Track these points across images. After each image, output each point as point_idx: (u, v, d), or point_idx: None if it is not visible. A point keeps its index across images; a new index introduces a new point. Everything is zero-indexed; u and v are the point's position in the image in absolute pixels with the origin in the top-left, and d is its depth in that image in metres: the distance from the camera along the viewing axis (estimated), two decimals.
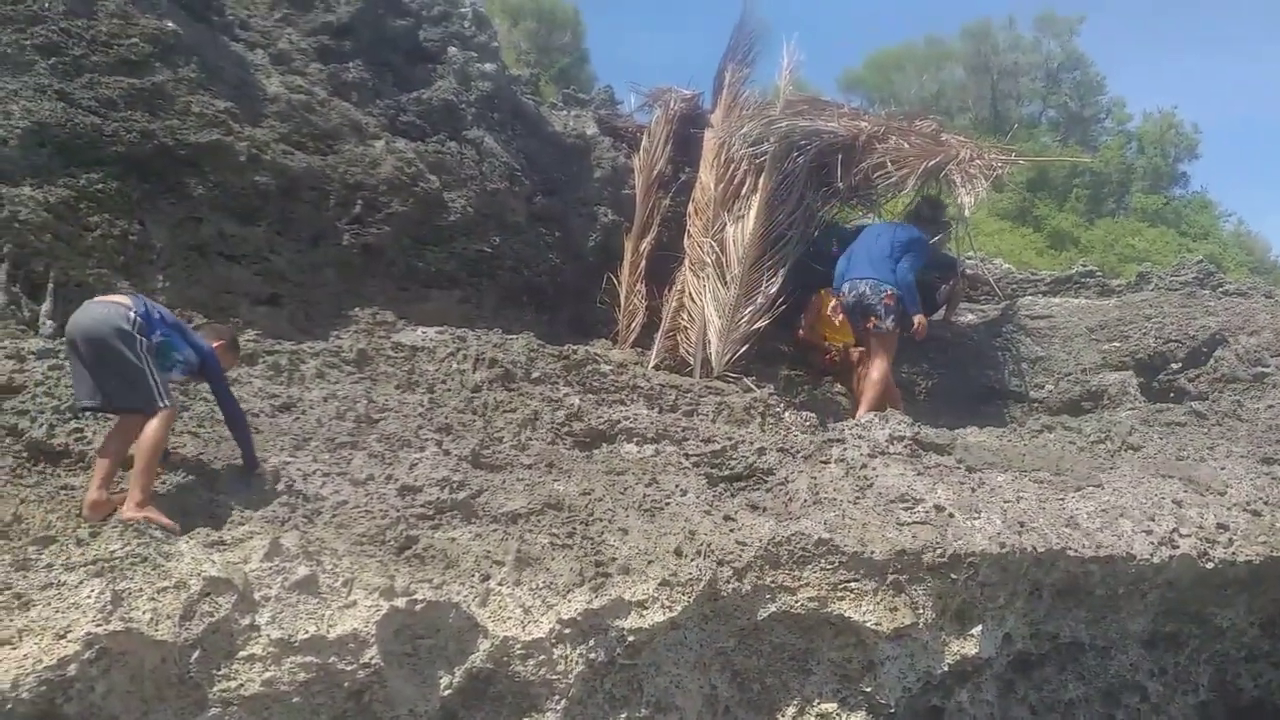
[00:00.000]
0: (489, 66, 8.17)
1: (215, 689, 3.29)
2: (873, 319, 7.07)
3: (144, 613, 3.20)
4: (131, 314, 3.83)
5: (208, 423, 4.54)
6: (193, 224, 5.94)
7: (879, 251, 7.19)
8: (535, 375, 5.94)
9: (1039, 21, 34.85)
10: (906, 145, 7.70)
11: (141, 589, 3.27)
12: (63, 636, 3.00)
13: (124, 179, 5.78)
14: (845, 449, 5.53)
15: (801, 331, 7.80)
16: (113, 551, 3.37)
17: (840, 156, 7.72)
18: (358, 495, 4.35)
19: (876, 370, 6.99)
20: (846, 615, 4.52)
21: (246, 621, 3.40)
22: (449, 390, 5.60)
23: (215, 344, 4.31)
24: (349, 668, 3.51)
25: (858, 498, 5.10)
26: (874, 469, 5.34)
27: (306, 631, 3.48)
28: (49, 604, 3.09)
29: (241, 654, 3.35)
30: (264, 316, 5.89)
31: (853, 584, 4.60)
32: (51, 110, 5.70)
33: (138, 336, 3.80)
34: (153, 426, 3.76)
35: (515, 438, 5.29)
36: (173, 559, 3.45)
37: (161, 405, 3.79)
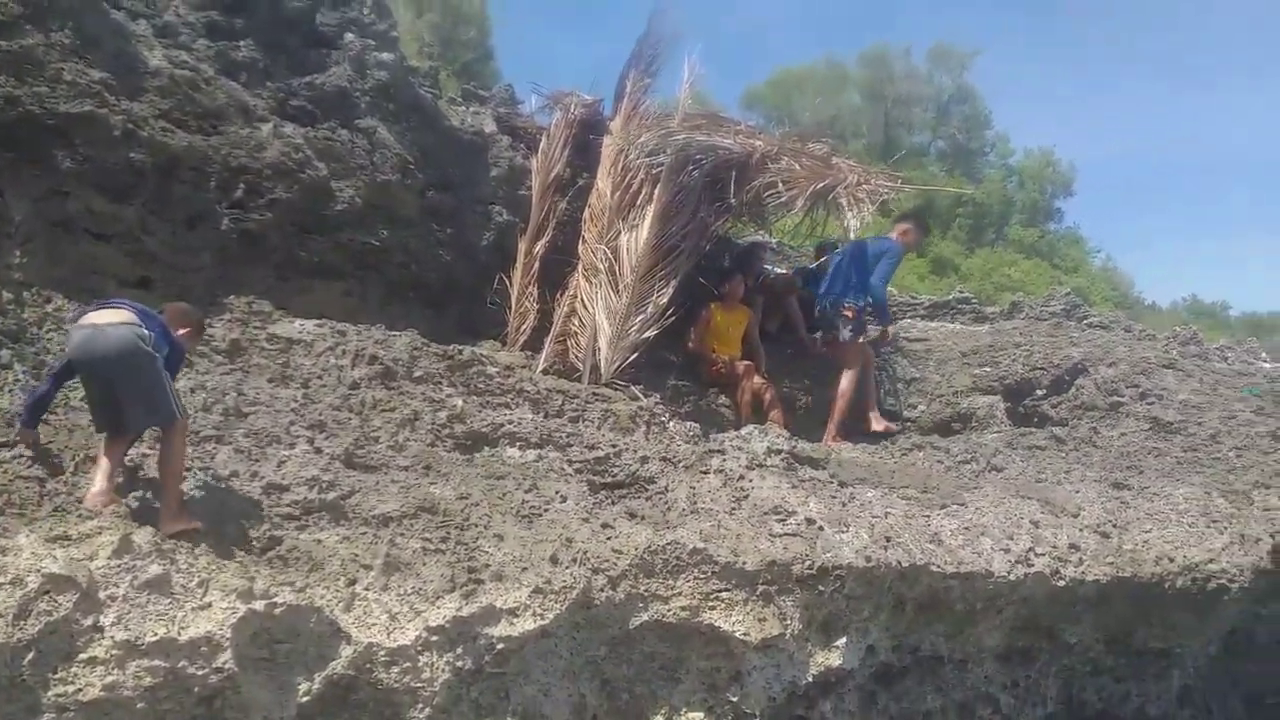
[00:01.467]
0: (387, 56, 7.97)
1: (51, 693, 3.09)
2: (833, 334, 7.99)
3: None
4: (144, 330, 3.86)
5: (59, 409, 4.29)
6: (59, 198, 5.60)
7: (849, 268, 8.02)
8: (418, 374, 5.83)
9: (933, 53, 36.37)
10: (798, 166, 7.85)
11: None
12: None
13: None
14: (725, 460, 5.61)
15: (690, 343, 7.89)
16: None
17: (734, 173, 7.82)
18: (220, 492, 4.17)
19: (844, 381, 7.85)
20: (717, 625, 4.58)
21: (89, 622, 3.22)
22: (325, 386, 5.44)
23: (182, 330, 4.33)
24: (200, 672, 3.35)
25: (734, 508, 5.18)
26: (751, 480, 5.43)
27: (155, 634, 3.31)
28: None
29: (82, 656, 3.16)
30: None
31: (724, 594, 4.67)
32: None
33: (155, 354, 3.86)
34: (177, 440, 3.85)
35: (393, 438, 5.18)
36: (9, 554, 3.23)
37: (179, 416, 3.87)
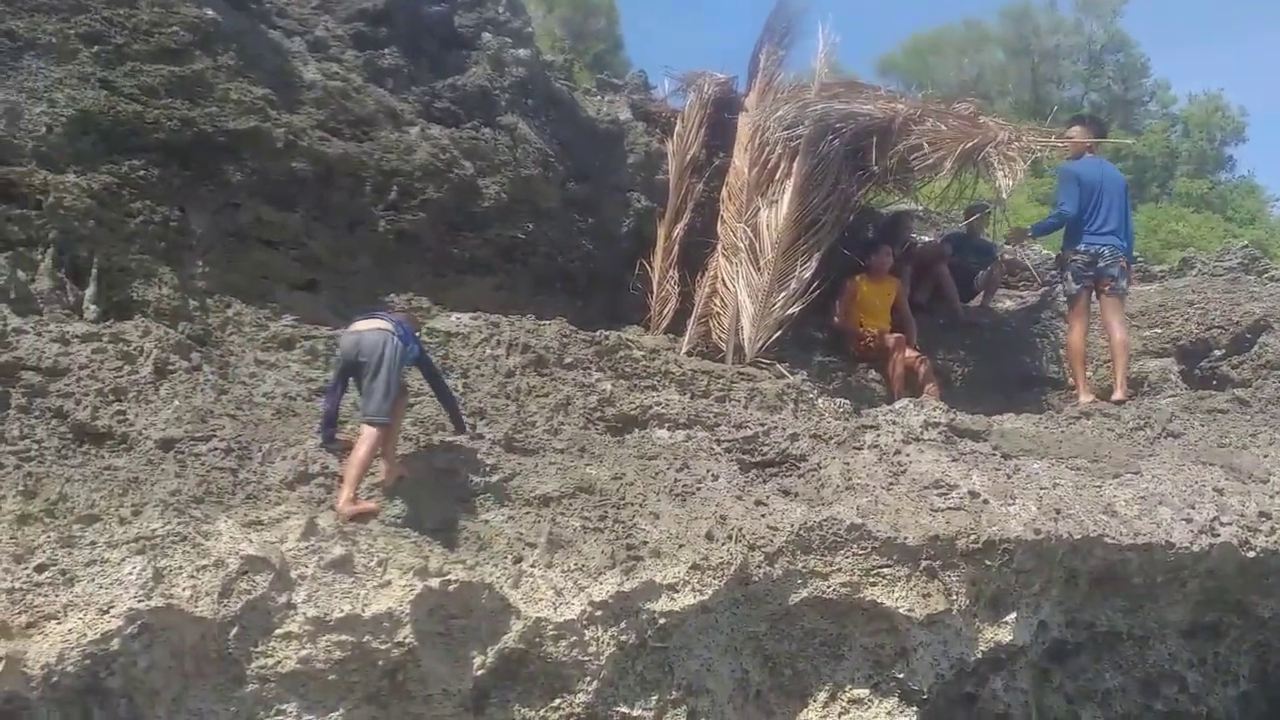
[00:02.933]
0: (523, 52, 8.16)
1: (253, 665, 3.35)
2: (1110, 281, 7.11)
3: (184, 590, 3.27)
4: (395, 337, 4.36)
5: (245, 406, 4.62)
6: (231, 210, 6.02)
7: (1123, 203, 7.27)
8: (568, 361, 5.97)
9: (1081, 2, 34.18)
10: (943, 128, 7.58)
11: (182, 566, 3.34)
12: (106, 612, 3.08)
13: (165, 166, 5.86)
14: (879, 435, 5.49)
15: (836, 318, 7.75)
16: (154, 530, 3.45)
17: (876, 139, 7.62)
18: (392, 477, 4.40)
19: (1121, 331, 7.20)
20: (879, 601, 4.51)
21: (283, 600, 3.47)
22: (482, 375, 5.64)
23: (417, 332, 4.86)
24: (383, 646, 3.56)
25: (891, 484, 5.07)
26: (908, 455, 5.30)
27: (342, 610, 3.54)
28: (93, 580, 3.17)
29: (278, 632, 3.42)
30: (301, 301, 5.96)
31: (885, 570, 4.59)
32: (94, 98, 5.79)
33: (397, 360, 4.32)
34: (373, 441, 4.17)
35: (548, 422, 5.33)
36: (211, 538, 3.52)
37: (382, 421, 4.23)
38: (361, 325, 4.49)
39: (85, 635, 3.02)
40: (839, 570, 4.54)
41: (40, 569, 3.15)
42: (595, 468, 4.92)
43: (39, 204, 5.28)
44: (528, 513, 4.49)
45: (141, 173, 5.76)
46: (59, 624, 3.02)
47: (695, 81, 8.58)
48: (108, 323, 4.79)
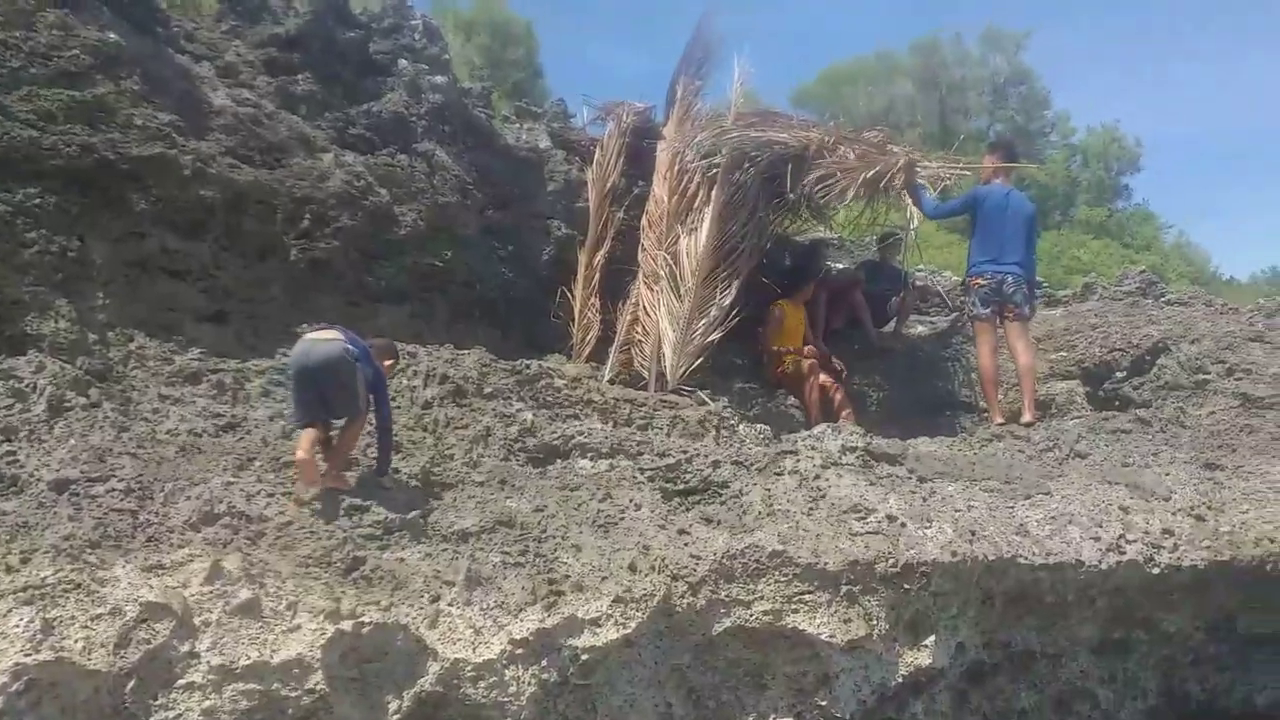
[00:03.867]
0: (440, 79, 8.11)
1: (153, 719, 3.18)
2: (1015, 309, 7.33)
3: (76, 641, 3.09)
4: (349, 346, 4.49)
5: (147, 443, 4.42)
6: (135, 239, 5.80)
7: (1026, 230, 7.44)
8: (488, 390, 5.88)
9: (986, 37, 35.68)
10: (852, 155, 7.76)
11: (74, 616, 3.16)
12: None
13: (63, 194, 5.63)
14: (799, 460, 5.53)
15: (773, 345, 7.77)
16: (44, 578, 3.25)
17: (790, 167, 7.75)
18: (303, 516, 4.25)
19: (1028, 356, 7.39)
20: (801, 628, 4.51)
21: (186, 648, 3.30)
22: (399, 407, 5.50)
23: (387, 363, 4.91)
24: (293, 694, 3.42)
25: (811, 509, 5.10)
26: (827, 480, 5.35)
27: (249, 657, 3.39)
28: None
29: (180, 682, 3.25)
30: (209, 334, 5.76)
31: (807, 596, 4.59)
32: None
33: (356, 363, 4.47)
34: (355, 427, 4.55)
35: (467, 455, 5.23)
36: (108, 585, 3.34)
37: (362, 411, 4.52)
38: (313, 335, 4.59)
39: None
40: (761, 598, 4.53)
41: None
42: (516, 500, 4.84)
43: None
44: (445, 549, 4.38)
45: (37, 201, 5.51)
46: None
47: (614, 110, 8.65)
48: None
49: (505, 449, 5.40)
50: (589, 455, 5.49)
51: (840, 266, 9.07)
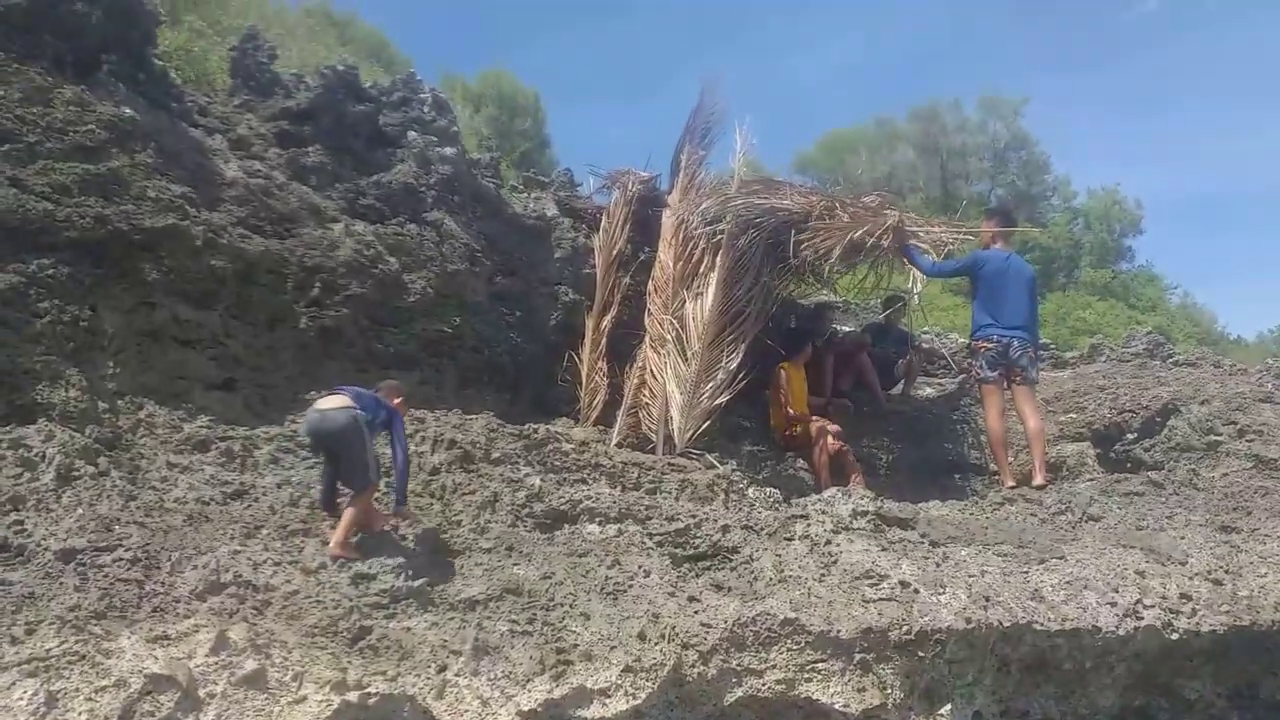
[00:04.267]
0: (449, 150, 8.25)
1: None
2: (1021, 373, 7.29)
3: (80, 714, 3.05)
4: (358, 411, 4.70)
5: (155, 512, 4.41)
6: (146, 309, 5.85)
7: (1027, 294, 7.41)
8: (495, 456, 5.87)
9: (984, 103, 36.26)
10: (846, 218, 7.84)
11: (79, 689, 3.12)
12: None
13: (76, 265, 5.69)
14: (809, 525, 5.49)
15: (789, 409, 7.75)
16: (49, 650, 3.22)
17: (794, 233, 7.84)
18: (309, 585, 4.22)
19: (1037, 419, 7.32)
20: (814, 697, 4.43)
21: None
22: None
23: (396, 401, 5.11)
24: None
25: (823, 575, 5.04)
26: (838, 545, 5.30)
27: None
28: None
29: None
30: (218, 401, 5.78)
31: (820, 664, 4.52)
32: (3, 197, 5.62)
33: (365, 430, 4.67)
34: (365, 497, 4.66)
35: (474, 520, 5.20)
36: (113, 656, 3.30)
37: (371, 481, 4.70)
38: (323, 404, 4.76)
39: None
40: (774, 667, 4.46)
41: None
42: (524, 567, 4.80)
43: None
44: (452, 618, 4.33)
45: (51, 271, 5.57)
46: None
47: (620, 179, 8.78)
48: (7, 428, 4.56)
49: (513, 515, 5.36)
50: (597, 520, 5.45)
51: (846, 329, 9.10)
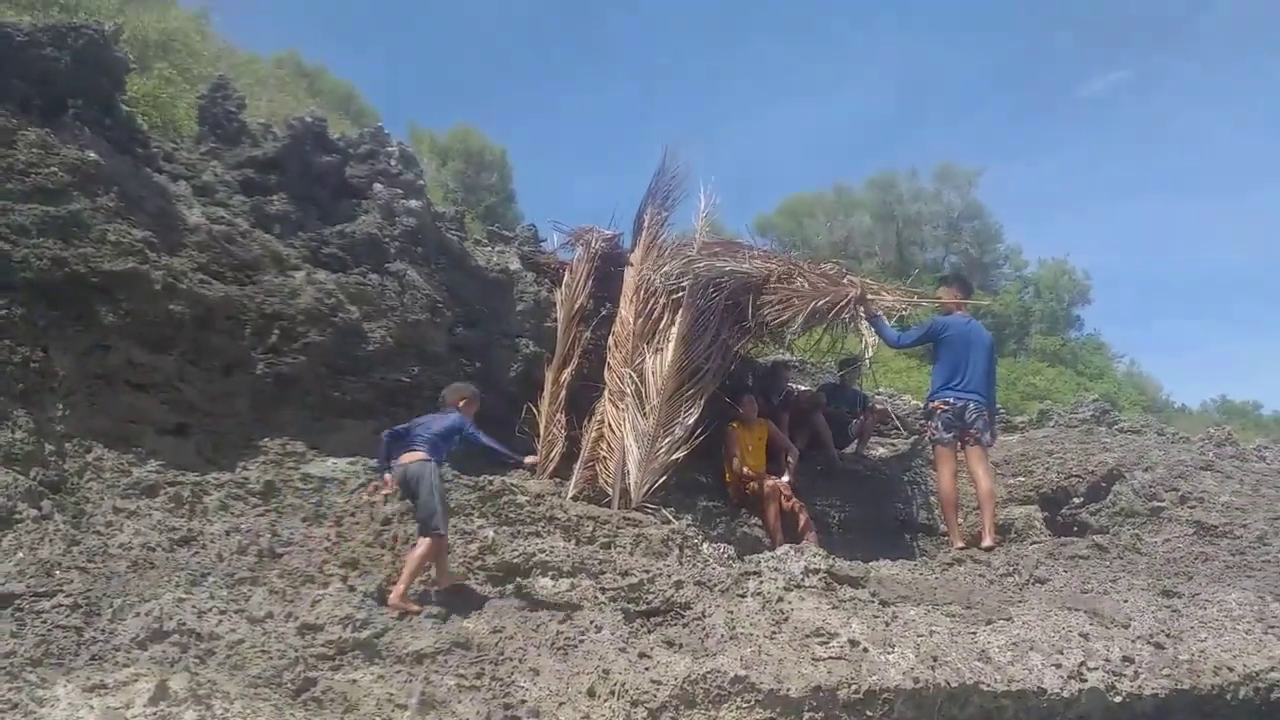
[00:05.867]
0: (414, 203, 8.32)
1: None
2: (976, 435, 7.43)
3: None
4: (432, 463, 5.16)
5: (98, 557, 4.33)
6: (100, 351, 5.80)
7: (987, 361, 7.60)
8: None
9: (940, 173, 37.34)
10: (807, 285, 8.02)
11: None
12: None
13: (30, 305, 5.65)
14: (762, 582, 5.51)
15: (738, 467, 7.81)
16: None
17: (752, 295, 7.99)
18: (255, 634, 4.16)
19: (988, 480, 7.48)
20: None
21: None
22: (357, 524, 5.47)
23: (462, 402, 5.65)
24: None
25: (774, 632, 5.05)
26: (789, 603, 5.32)
27: None
28: None
29: None
30: (169, 446, 5.71)
31: None
32: None
33: (435, 477, 5.10)
34: (428, 548, 4.96)
35: (426, 573, 5.15)
36: (46, 704, 3.21)
37: (435, 531, 4.97)
38: (405, 459, 5.19)
39: None
40: None
41: None
42: (473, 621, 4.77)
43: None
44: (399, 671, 4.28)
45: (4, 312, 5.52)
46: None
47: (583, 236, 8.89)
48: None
49: (465, 567, 5.34)
50: (550, 574, 5.44)
51: (801, 388, 9.23)
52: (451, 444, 5.38)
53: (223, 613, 4.19)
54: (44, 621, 3.74)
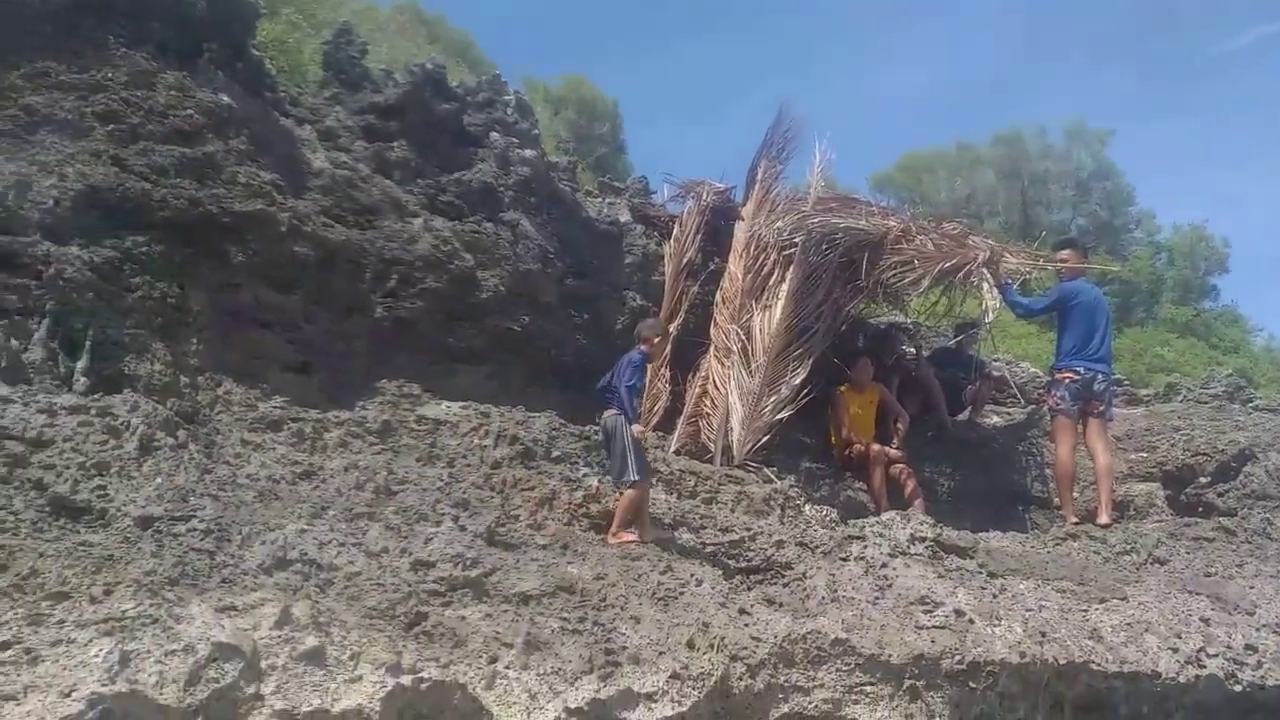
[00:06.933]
0: (529, 153, 8.38)
1: None
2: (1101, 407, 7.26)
3: (150, 675, 3.16)
4: (622, 418, 5.46)
5: (228, 486, 4.57)
6: (231, 290, 6.06)
7: (1106, 329, 7.39)
8: (555, 454, 5.95)
9: (1070, 132, 35.40)
10: (930, 245, 7.77)
11: (150, 650, 3.23)
12: (68, 695, 2.96)
13: (168, 243, 5.92)
14: (865, 546, 5.45)
15: (845, 433, 7.69)
16: (125, 611, 3.35)
17: (868, 253, 7.79)
18: (371, 567, 4.32)
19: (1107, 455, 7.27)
20: None
21: (251, 690, 3.35)
22: (469, 465, 5.61)
23: (644, 341, 5.88)
24: None
25: (877, 598, 5.01)
26: (894, 569, 5.26)
27: (310, 704, 3.42)
28: (57, 661, 3.06)
29: None
30: (292, 383, 5.96)
31: (868, 687, 4.49)
32: (105, 174, 5.87)
33: (624, 430, 5.41)
34: (631, 494, 5.36)
35: (532, 516, 5.28)
36: (183, 622, 3.42)
37: (633, 478, 5.34)
38: (606, 413, 5.59)
39: (44, 719, 2.90)
40: (821, 686, 4.44)
41: (4, 646, 3.05)
42: (577, 566, 4.85)
43: (39, 274, 5.30)
44: (506, 610, 4.39)
45: (144, 249, 5.80)
46: (17, 705, 2.90)
47: (694, 189, 8.82)
48: (96, 396, 4.77)
49: (569, 513, 5.43)
50: (652, 525, 5.48)
51: (914, 351, 8.98)
52: (635, 380, 5.58)
53: (341, 545, 4.36)
54: (180, 544, 3.98)
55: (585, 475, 5.79)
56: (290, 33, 10.90)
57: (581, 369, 7.51)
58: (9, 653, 3.03)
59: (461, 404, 6.17)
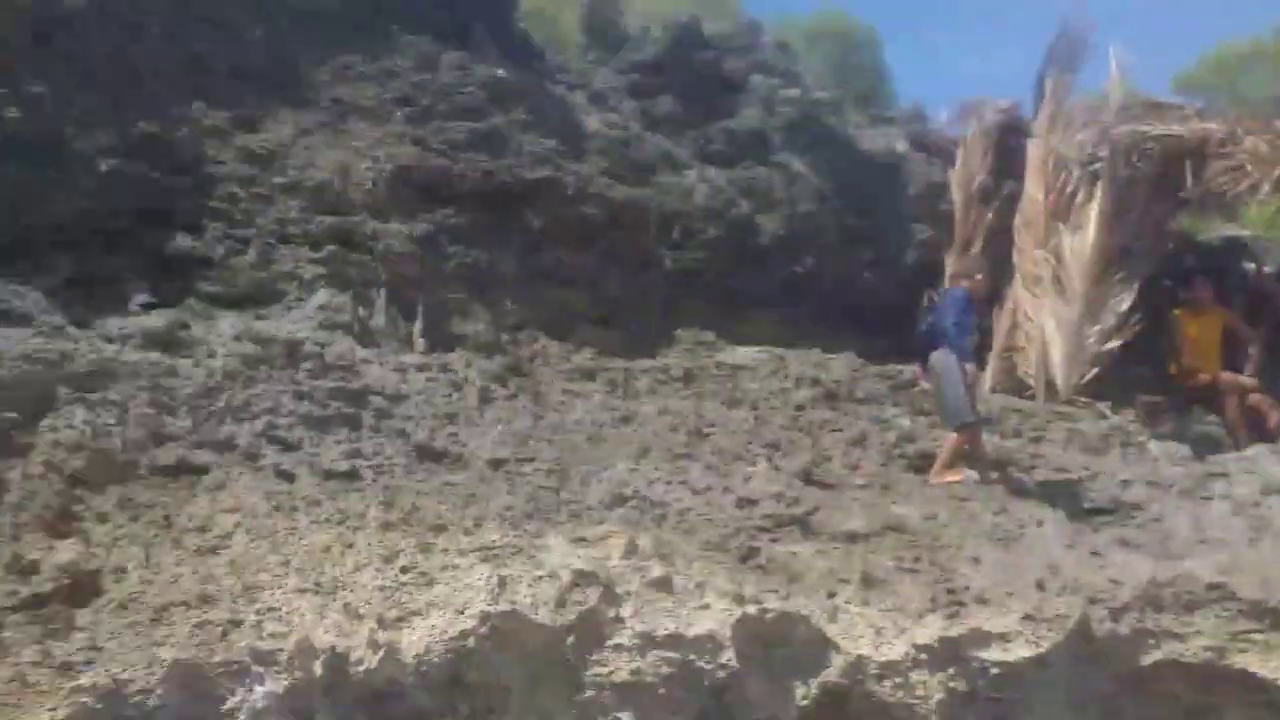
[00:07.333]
0: (793, 92, 8.21)
1: (589, 673, 3.35)
2: None
3: (525, 597, 3.33)
4: (945, 356, 4.99)
5: (560, 431, 4.77)
6: (534, 251, 6.35)
7: None
8: (859, 395, 5.77)
9: None
10: (1264, 147, 6.79)
11: (520, 576, 3.41)
12: (462, 612, 3.19)
13: (472, 213, 6.29)
14: (1231, 485, 4.87)
15: (1183, 362, 6.87)
16: (493, 541, 3.56)
17: (1189, 162, 6.95)
18: (698, 504, 4.36)
19: None
20: (1251, 670, 3.89)
21: (612, 614, 3.45)
22: (773, 408, 5.55)
23: (970, 275, 5.33)
24: (708, 666, 3.46)
25: (1252, 539, 4.46)
26: (1270, 507, 4.66)
27: (666, 628, 3.47)
28: (448, 583, 3.30)
29: (610, 643, 3.39)
30: (598, 336, 6.18)
31: (1256, 635, 3.96)
32: (409, 154, 6.32)
33: (948, 371, 4.94)
34: (953, 439, 4.98)
35: (845, 457, 5.13)
36: (544, 551, 3.58)
37: (957, 420, 4.94)
38: (934, 356, 5.11)
39: (446, 632, 3.12)
40: (1199, 633, 3.97)
41: (404, 570, 3.33)
42: (903, 506, 4.66)
43: (370, 250, 5.78)
44: (836, 548, 4.27)
45: (453, 220, 6.20)
46: (424, 619, 3.16)
47: (975, 110, 8.25)
48: (436, 354, 5.13)
49: (884, 454, 5.23)
50: (976, 464, 5.17)
51: (1257, 268, 7.90)
52: (960, 317, 5.05)
53: (667, 483, 4.43)
54: (528, 483, 4.20)
55: (895, 416, 5.55)
56: (548, 3, 11.24)
57: (873, 307, 7.26)
58: (409, 575, 3.31)
59: (758, 349, 6.16)
